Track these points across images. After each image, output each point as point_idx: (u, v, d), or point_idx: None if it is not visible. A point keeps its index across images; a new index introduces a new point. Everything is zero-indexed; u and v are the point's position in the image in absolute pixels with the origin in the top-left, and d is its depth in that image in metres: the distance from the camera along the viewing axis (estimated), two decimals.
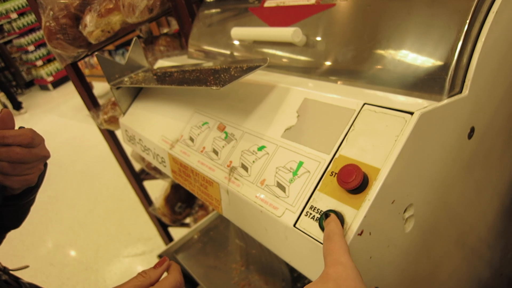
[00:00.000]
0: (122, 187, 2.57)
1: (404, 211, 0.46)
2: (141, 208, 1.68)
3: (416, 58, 0.52)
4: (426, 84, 0.50)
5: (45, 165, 0.62)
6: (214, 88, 0.52)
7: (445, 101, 0.47)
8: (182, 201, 1.59)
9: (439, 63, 0.49)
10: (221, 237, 1.06)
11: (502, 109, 0.60)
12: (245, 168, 0.55)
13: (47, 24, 1.18)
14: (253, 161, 0.55)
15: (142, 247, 2.10)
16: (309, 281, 0.38)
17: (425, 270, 0.59)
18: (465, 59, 0.49)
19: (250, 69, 0.56)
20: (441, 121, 0.47)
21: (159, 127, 0.76)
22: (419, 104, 0.47)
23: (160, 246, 1.98)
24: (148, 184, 1.57)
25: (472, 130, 0.53)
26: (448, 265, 0.66)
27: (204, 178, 0.61)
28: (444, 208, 0.55)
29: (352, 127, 0.48)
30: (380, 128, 0.45)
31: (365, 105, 0.48)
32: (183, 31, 1.29)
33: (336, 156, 0.47)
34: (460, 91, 0.50)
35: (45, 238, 2.43)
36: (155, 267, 0.50)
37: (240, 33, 0.73)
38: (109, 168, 2.91)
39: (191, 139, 0.67)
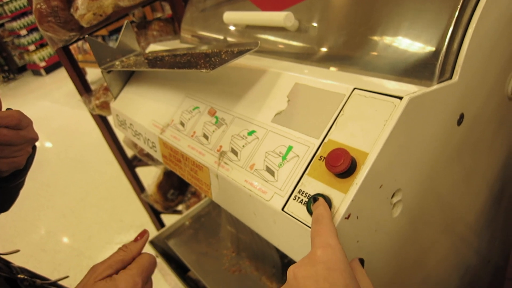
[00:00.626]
0: (115, 174, 2.57)
1: (392, 196, 0.46)
2: (134, 195, 1.67)
3: (407, 44, 0.51)
4: (417, 70, 0.50)
5: (34, 148, 0.62)
6: (204, 71, 0.51)
7: (435, 86, 0.47)
8: (175, 188, 1.59)
9: (429, 49, 0.49)
10: (212, 223, 1.06)
11: (492, 96, 0.60)
12: (235, 152, 0.55)
13: (38, 6, 1.16)
14: (243, 146, 0.55)
15: (134, 234, 2.08)
16: None
17: (413, 256, 0.60)
18: (455, 45, 0.49)
19: (241, 52, 0.56)
20: (431, 106, 0.47)
21: (150, 111, 0.75)
22: (408, 89, 0.47)
23: (152, 233, 1.98)
24: (140, 171, 1.57)
25: (462, 116, 0.54)
26: (436, 252, 0.66)
27: (194, 163, 0.61)
28: (433, 195, 0.56)
29: (342, 111, 0.48)
30: (369, 113, 0.45)
31: (355, 90, 0.48)
32: (176, 16, 1.28)
33: (325, 140, 0.47)
34: (450, 77, 0.50)
35: (37, 224, 2.42)
36: (135, 240, 0.50)
37: (232, 17, 0.72)
38: (102, 155, 2.89)
39: (182, 124, 0.67)
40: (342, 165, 0.41)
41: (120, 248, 0.48)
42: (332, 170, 0.42)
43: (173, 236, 1.04)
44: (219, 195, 0.58)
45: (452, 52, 0.49)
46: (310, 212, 0.42)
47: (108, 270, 0.45)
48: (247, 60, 0.65)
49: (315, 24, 0.63)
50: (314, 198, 0.42)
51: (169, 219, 1.70)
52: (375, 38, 0.55)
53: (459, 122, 0.54)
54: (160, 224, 1.72)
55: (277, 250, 0.88)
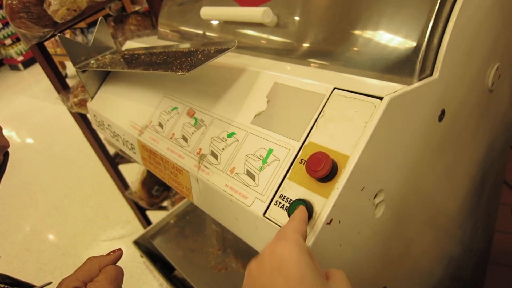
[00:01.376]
0: (99, 170, 2.52)
1: (374, 197, 0.46)
2: (119, 191, 1.65)
3: (387, 40, 0.50)
4: (397, 66, 0.49)
5: (6, 155, 0.59)
6: (180, 73, 0.49)
7: (415, 84, 0.46)
8: (159, 184, 1.57)
9: (409, 45, 0.48)
10: (197, 221, 1.05)
11: (473, 90, 0.60)
12: (214, 155, 0.54)
13: (9, 1, 1.11)
14: (223, 149, 0.53)
15: (121, 231, 2.08)
16: None
17: (397, 251, 0.60)
18: (435, 40, 0.48)
19: (218, 52, 0.54)
20: (412, 104, 0.46)
21: (128, 112, 0.73)
22: (389, 88, 0.46)
23: (139, 229, 1.97)
24: (124, 168, 1.54)
25: (443, 112, 0.53)
26: (420, 245, 0.67)
27: (174, 166, 0.60)
28: (415, 191, 0.56)
29: (322, 113, 0.46)
30: (350, 114, 0.44)
31: (335, 90, 0.47)
32: (152, 10, 1.24)
33: (306, 143, 0.46)
34: (431, 74, 0.49)
35: (20, 224, 2.38)
36: (107, 254, 0.49)
37: (209, 13, 0.70)
38: (85, 151, 2.84)
39: (160, 125, 0.65)
40: (322, 169, 0.40)
41: (87, 259, 0.47)
42: (313, 175, 0.41)
43: (158, 235, 1.02)
44: (200, 199, 0.57)
45: (433, 47, 0.48)
46: None
47: (75, 283, 0.44)
48: (225, 58, 0.63)
49: (294, 20, 0.61)
50: (295, 204, 0.41)
51: (155, 215, 1.69)
52: (355, 34, 0.54)
53: (440, 118, 0.53)
54: (146, 220, 1.70)
55: None
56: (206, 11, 0.71)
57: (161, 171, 0.64)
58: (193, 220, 1.07)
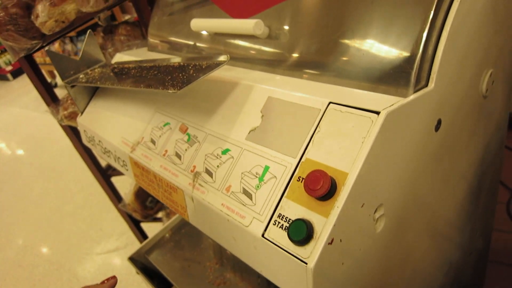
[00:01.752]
0: (91, 181, 2.48)
1: (374, 212, 0.45)
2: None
3: (381, 51, 0.50)
4: (392, 78, 0.49)
5: None
6: (171, 91, 0.48)
7: (411, 96, 0.45)
8: None
9: (404, 55, 0.48)
10: (193, 233, 1.04)
11: (468, 97, 0.59)
12: (209, 173, 0.53)
13: None
14: (218, 166, 0.52)
15: (115, 243, 2.05)
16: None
17: (398, 261, 0.59)
18: (430, 51, 0.48)
19: (209, 68, 0.53)
20: (408, 117, 0.45)
21: (119, 127, 0.72)
22: (385, 101, 0.45)
23: (134, 240, 1.94)
24: (116, 179, 1.52)
25: (439, 122, 0.53)
26: (420, 252, 0.66)
27: (168, 184, 0.58)
28: (414, 201, 0.55)
29: (318, 128, 0.45)
30: (346, 129, 0.43)
31: (331, 104, 0.46)
32: (142, 20, 1.23)
33: (303, 160, 0.45)
34: (426, 84, 0.48)
35: (11, 239, 2.33)
36: (102, 282, 0.47)
37: (200, 25, 0.69)
38: (76, 162, 2.80)
39: (153, 142, 0.63)
40: (321, 188, 0.39)
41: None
42: (312, 194, 0.40)
43: (154, 250, 1.01)
44: (196, 218, 0.56)
45: (427, 58, 0.48)
46: (292, 239, 0.40)
47: None
48: (218, 71, 0.63)
49: (286, 31, 0.61)
50: (296, 224, 0.40)
51: (149, 227, 1.66)
52: (348, 44, 0.53)
53: (437, 128, 0.52)
54: (140, 233, 1.67)
55: None
56: (197, 23, 0.69)
57: (155, 189, 0.63)
58: (189, 232, 1.05)
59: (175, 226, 1.06)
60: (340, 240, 0.41)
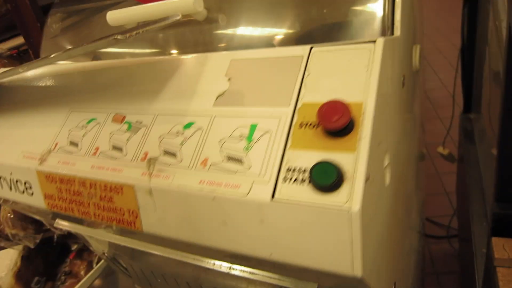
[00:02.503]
0: None
1: (384, 159, 0.39)
2: None
3: (345, 8, 0.48)
4: (360, 29, 0.46)
5: None
6: (120, 37, 0.37)
7: (392, 36, 0.43)
8: (40, 273, 1.23)
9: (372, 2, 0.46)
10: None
11: (408, 70, 0.60)
12: (171, 154, 0.41)
13: None
14: (181, 143, 0.41)
15: None
16: None
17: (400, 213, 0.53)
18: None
19: (162, 20, 0.43)
20: (392, 57, 0.42)
21: (17, 143, 0.53)
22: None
23: None
24: None
25: (404, 78, 0.51)
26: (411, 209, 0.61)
27: (106, 187, 0.43)
28: (401, 153, 0.51)
29: (307, 72, 0.39)
30: (343, 64, 0.38)
31: (314, 48, 0.41)
32: (29, 42, 1.03)
33: (299, 106, 0.37)
34: (392, 33, 0.47)
35: None
36: None
37: (120, 16, 0.59)
38: None
39: (74, 144, 0.48)
40: (342, 118, 0.32)
41: None
42: (331, 126, 0.32)
43: None
44: (155, 219, 0.41)
45: (389, 7, 0.47)
46: (320, 185, 0.31)
47: None
48: (152, 59, 0.53)
49: (228, 9, 0.55)
50: (320, 168, 0.31)
51: None
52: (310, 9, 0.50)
53: (403, 84, 0.51)
54: None
55: None
56: (115, 15, 0.59)
57: (82, 204, 0.46)
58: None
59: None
60: (370, 179, 0.33)
